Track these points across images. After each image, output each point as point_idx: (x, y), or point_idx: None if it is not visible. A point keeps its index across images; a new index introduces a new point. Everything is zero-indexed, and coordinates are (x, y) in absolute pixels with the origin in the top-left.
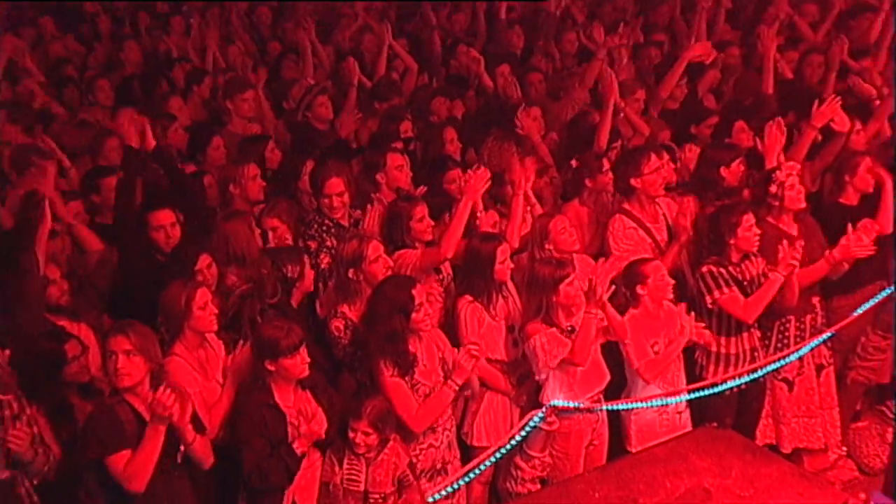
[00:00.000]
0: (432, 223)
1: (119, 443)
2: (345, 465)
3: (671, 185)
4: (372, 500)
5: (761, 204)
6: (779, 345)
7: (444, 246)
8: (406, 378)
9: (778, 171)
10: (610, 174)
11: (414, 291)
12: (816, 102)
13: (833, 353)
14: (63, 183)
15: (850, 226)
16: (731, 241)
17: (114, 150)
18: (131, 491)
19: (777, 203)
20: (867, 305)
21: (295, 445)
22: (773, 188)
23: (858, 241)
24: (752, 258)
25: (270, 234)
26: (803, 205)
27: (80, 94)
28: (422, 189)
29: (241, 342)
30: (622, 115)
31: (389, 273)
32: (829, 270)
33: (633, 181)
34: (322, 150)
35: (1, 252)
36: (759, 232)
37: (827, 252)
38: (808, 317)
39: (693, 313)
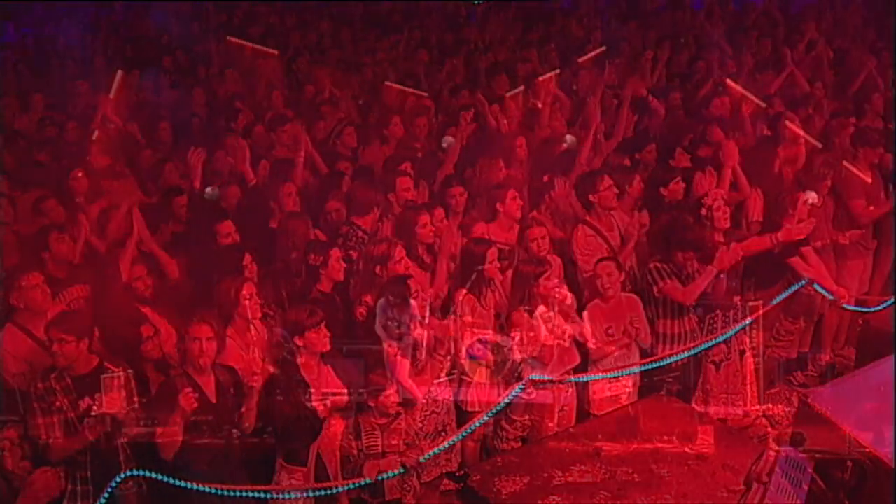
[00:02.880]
0: (434, 229)
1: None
2: (363, 437)
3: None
4: (388, 457)
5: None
6: (710, 329)
7: (436, 288)
8: (409, 357)
9: (705, 198)
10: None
11: (410, 282)
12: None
13: (752, 340)
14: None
15: None
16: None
17: (171, 171)
18: (162, 458)
19: (708, 223)
20: (781, 297)
21: (318, 411)
22: (703, 211)
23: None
24: (692, 258)
25: (334, 214)
26: (728, 224)
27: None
28: None
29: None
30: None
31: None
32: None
33: (591, 197)
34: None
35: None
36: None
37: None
38: (731, 311)
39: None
